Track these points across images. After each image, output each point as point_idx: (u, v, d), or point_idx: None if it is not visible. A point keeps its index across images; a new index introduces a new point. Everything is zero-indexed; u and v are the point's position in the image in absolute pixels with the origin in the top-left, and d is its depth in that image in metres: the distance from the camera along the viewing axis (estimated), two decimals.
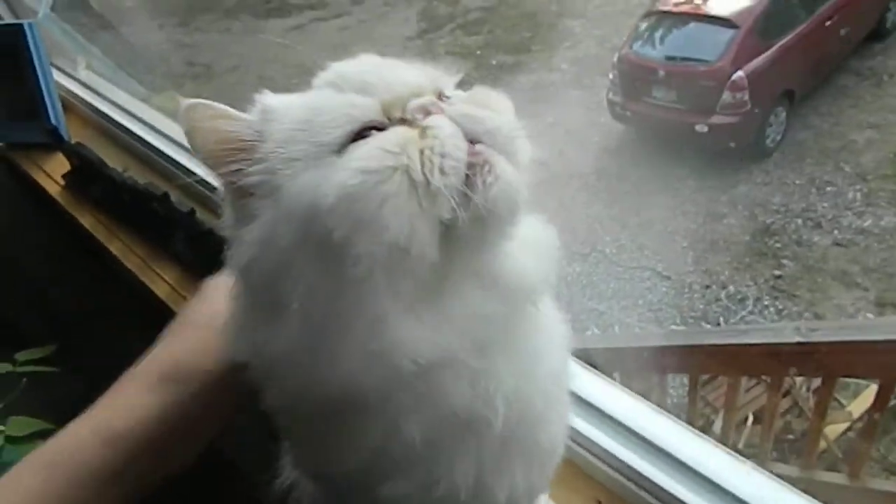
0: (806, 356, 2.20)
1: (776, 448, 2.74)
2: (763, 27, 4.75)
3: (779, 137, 4.77)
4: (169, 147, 1.29)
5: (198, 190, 1.13)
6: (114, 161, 1.31)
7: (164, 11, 6.72)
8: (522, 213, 0.44)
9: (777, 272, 3.98)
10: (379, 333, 0.40)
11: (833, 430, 2.77)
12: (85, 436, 0.55)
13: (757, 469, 0.70)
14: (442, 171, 0.39)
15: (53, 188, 1.38)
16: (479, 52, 6.29)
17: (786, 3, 4.94)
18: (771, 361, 2.35)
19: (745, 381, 2.73)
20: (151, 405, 0.56)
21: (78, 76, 1.61)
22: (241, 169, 0.44)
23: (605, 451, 0.72)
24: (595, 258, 4.32)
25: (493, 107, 0.44)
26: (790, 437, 2.91)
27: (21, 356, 1.23)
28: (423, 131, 0.41)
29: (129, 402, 0.57)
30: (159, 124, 1.35)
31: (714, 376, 2.93)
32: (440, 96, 0.45)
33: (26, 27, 1.39)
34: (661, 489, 0.69)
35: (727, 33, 4.73)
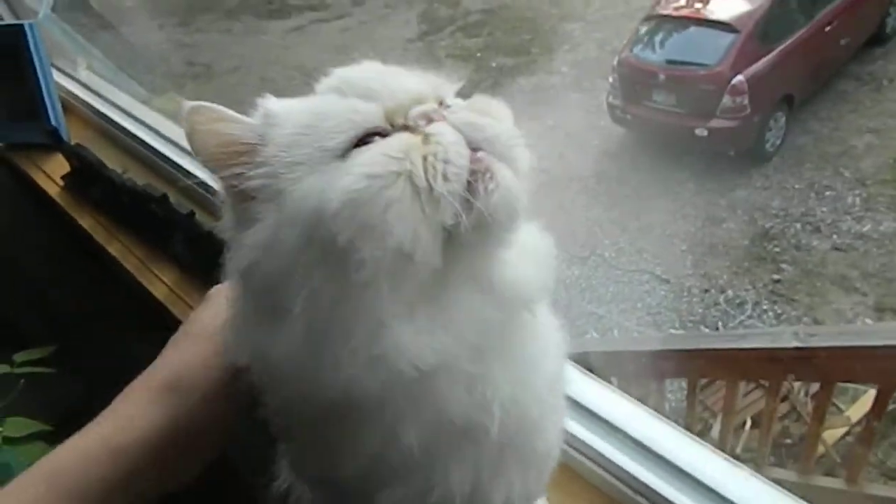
0: (804, 361, 2.20)
1: (774, 452, 2.74)
2: (763, 32, 4.75)
3: (778, 142, 4.78)
4: (168, 149, 1.29)
5: (197, 192, 1.13)
6: (113, 162, 1.31)
7: (164, 11, 6.73)
8: (522, 220, 0.44)
9: (776, 276, 3.99)
10: (381, 338, 0.40)
11: (831, 434, 2.77)
12: (88, 448, 0.55)
13: (755, 475, 0.70)
14: (445, 178, 0.40)
15: (53, 189, 1.38)
16: (479, 55, 6.30)
17: (786, 7, 4.95)
18: (769, 366, 2.36)
19: (743, 386, 2.73)
20: (154, 417, 0.56)
21: (78, 77, 1.61)
22: (242, 172, 0.44)
23: (603, 456, 0.72)
24: (594, 261, 4.32)
25: (493, 114, 0.45)
26: (788, 441, 2.91)
27: (19, 357, 1.23)
28: (426, 138, 0.42)
29: (132, 415, 0.56)
30: (159, 126, 1.35)
31: (712, 380, 2.93)
32: (441, 104, 0.46)
33: (27, 28, 1.40)
34: (659, 495, 0.69)
35: (727, 37, 4.74)
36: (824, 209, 4.27)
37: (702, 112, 4.72)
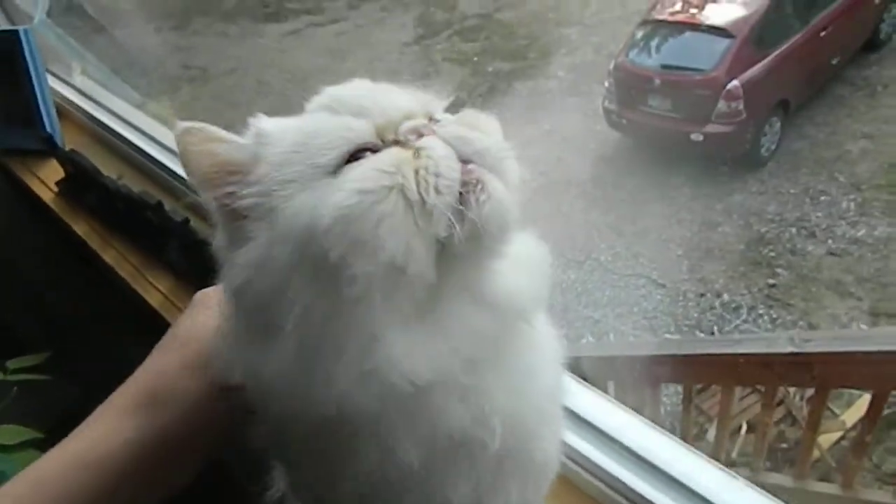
0: (799, 366, 2.20)
1: (770, 457, 2.75)
2: (758, 37, 4.77)
3: (773, 147, 4.79)
4: (163, 155, 1.29)
5: (192, 199, 1.13)
6: (108, 168, 1.31)
7: (160, 15, 6.73)
8: (514, 231, 0.45)
9: (771, 281, 4.00)
10: (373, 352, 0.40)
11: (826, 439, 2.77)
12: (69, 459, 0.54)
13: (749, 485, 0.70)
14: (437, 190, 0.40)
15: (48, 195, 1.38)
16: (475, 59, 6.31)
17: (781, 13, 4.97)
18: (764, 371, 2.36)
19: (738, 391, 2.74)
20: (131, 430, 0.55)
21: (73, 82, 1.61)
22: (234, 191, 0.44)
23: (598, 466, 0.72)
24: (590, 265, 4.33)
25: (482, 128, 0.45)
26: (784, 445, 2.92)
27: (12, 364, 1.23)
28: (417, 152, 0.42)
29: (109, 428, 0.56)
30: (154, 132, 1.35)
31: (708, 385, 2.94)
32: (431, 119, 0.46)
33: (22, 33, 1.39)
34: None
35: (722, 43, 4.76)
36: (819, 214, 4.28)
37: (697, 117, 4.74)
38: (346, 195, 0.40)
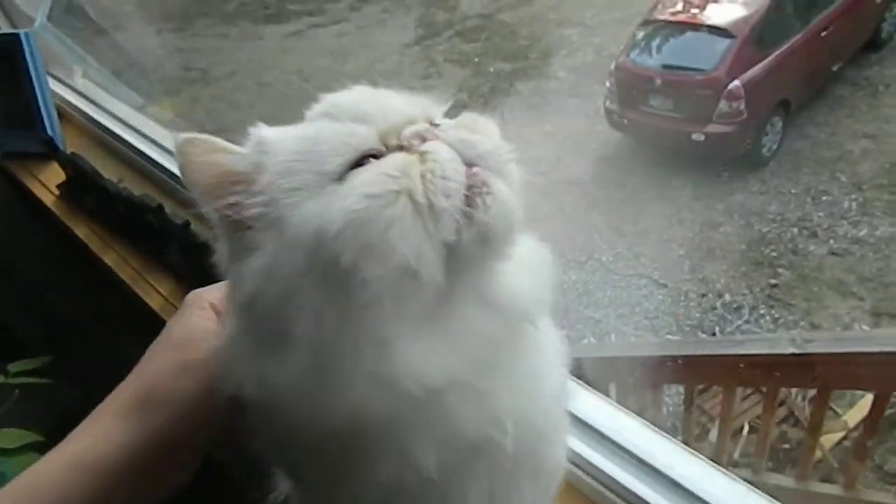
0: (801, 367, 2.20)
1: (772, 458, 2.74)
2: (759, 37, 4.77)
3: (775, 147, 4.79)
4: (164, 158, 1.29)
5: (192, 202, 1.13)
6: (109, 171, 1.31)
7: (161, 17, 6.74)
8: (519, 233, 0.45)
9: (773, 281, 3.99)
10: (387, 359, 0.40)
11: (829, 439, 2.77)
12: (63, 464, 0.54)
13: (752, 490, 0.70)
14: (445, 194, 0.40)
15: (49, 198, 1.38)
16: (476, 60, 6.31)
17: (782, 13, 4.96)
18: (766, 372, 2.36)
19: (740, 391, 2.73)
20: (128, 432, 0.55)
21: (74, 85, 1.61)
22: (238, 202, 0.44)
23: (598, 469, 0.72)
24: (592, 266, 4.33)
25: (483, 131, 0.45)
26: (786, 446, 2.91)
27: (13, 367, 1.23)
28: (423, 156, 0.42)
29: (104, 431, 0.55)
30: (155, 135, 1.35)
31: (709, 386, 2.93)
32: (431, 124, 0.46)
33: (22, 37, 1.40)
34: None
35: (723, 43, 4.75)
36: (821, 214, 4.27)
37: (698, 117, 4.73)
38: (354, 200, 0.40)
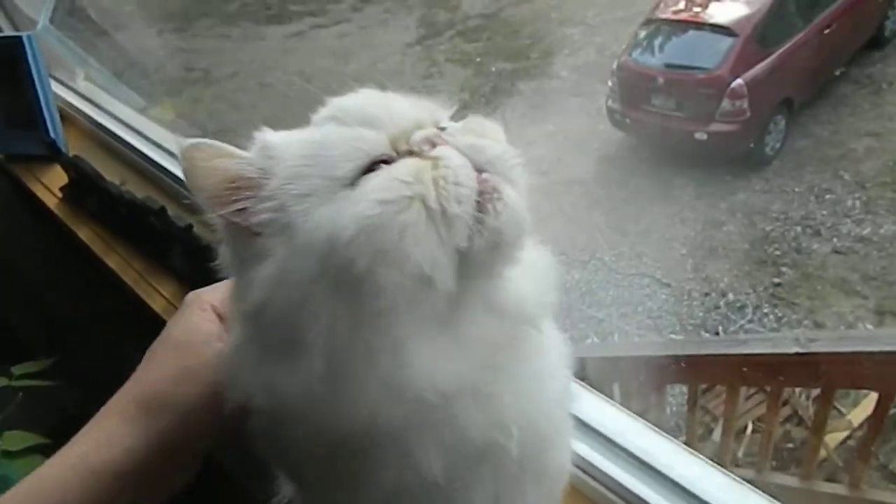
0: (805, 367, 2.19)
1: (776, 457, 2.73)
2: (762, 35, 4.75)
3: (778, 145, 4.77)
4: (167, 160, 1.29)
5: (195, 205, 1.13)
6: (112, 174, 1.31)
7: (162, 17, 6.74)
8: (527, 238, 0.45)
9: (776, 280, 3.98)
10: (402, 366, 0.40)
11: (833, 438, 2.76)
12: (66, 469, 0.54)
13: (754, 490, 0.70)
14: (458, 200, 0.40)
15: (51, 200, 1.39)
16: (478, 59, 6.30)
17: (784, 11, 4.95)
18: (770, 372, 2.35)
19: (744, 390, 2.73)
20: (132, 436, 0.55)
21: (77, 87, 1.61)
22: (246, 208, 0.43)
23: (600, 471, 0.72)
24: (594, 265, 4.32)
25: (490, 135, 0.46)
26: (790, 445, 2.91)
27: (17, 370, 1.23)
28: (434, 162, 0.42)
29: (109, 434, 0.56)
30: (157, 137, 1.35)
31: (713, 385, 2.93)
32: (438, 128, 0.46)
33: (25, 39, 1.40)
34: None
35: (726, 41, 4.74)
36: (824, 212, 4.26)
37: (701, 116, 4.72)
38: (367, 206, 0.40)
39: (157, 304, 1.09)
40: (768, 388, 2.56)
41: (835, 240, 4.09)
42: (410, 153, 0.44)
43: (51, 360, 1.28)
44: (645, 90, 4.92)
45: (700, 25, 5.01)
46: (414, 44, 6.66)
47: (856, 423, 2.80)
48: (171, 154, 1.30)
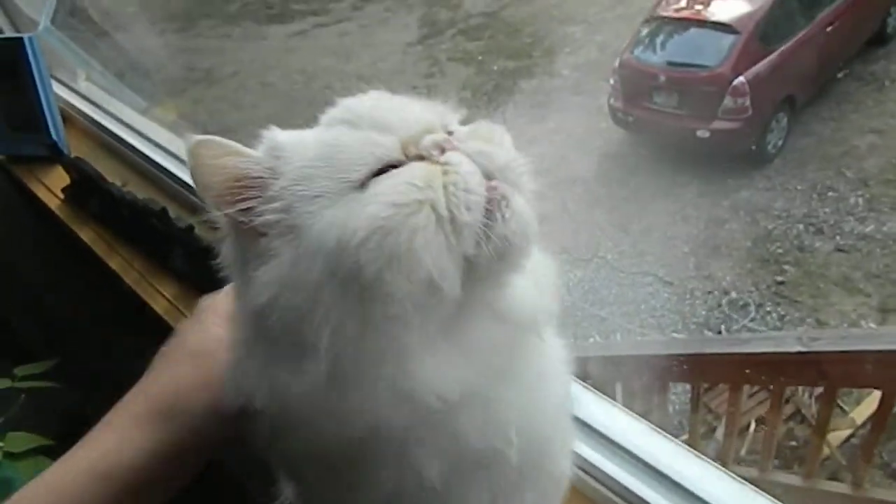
0: (807, 366, 2.19)
1: (779, 456, 2.73)
2: (764, 33, 4.74)
3: (780, 143, 4.77)
4: (168, 162, 1.29)
5: (196, 205, 1.13)
6: (113, 175, 1.31)
7: (164, 18, 6.74)
8: (534, 246, 0.45)
9: (779, 278, 3.97)
10: (409, 372, 0.40)
11: (836, 436, 2.75)
12: (78, 470, 0.54)
13: (758, 492, 0.70)
14: (468, 207, 0.40)
15: (54, 202, 1.39)
16: (480, 58, 6.30)
17: (786, 8, 4.94)
18: (773, 371, 2.35)
19: (747, 388, 2.72)
20: (142, 443, 0.55)
21: (78, 88, 1.61)
22: (252, 207, 0.43)
23: (602, 472, 0.72)
24: (596, 264, 4.32)
25: (497, 142, 0.45)
26: (793, 443, 2.90)
27: (20, 371, 1.23)
28: (444, 168, 0.42)
29: (119, 439, 0.56)
30: (159, 138, 1.35)
31: (716, 384, 2.92)
32: (447, 132, 0.46)
33: (26, 41, 1.40)
34: None
35: (728, 39, 4.73)
36: (827, 210, 4.25)
37: (703, 114, 4.72)
38: (379, 208, 0.40)
39: (158, 306, 1.09)
40: (771, 387, 2.55)
41: (837, 238, 4.08)
42: (420, 157, 0.43)
43: (53, 362, 1.28)
44: (647, 88, 4.92)
45: (702, 23, 5.00)
46: (415, 43, 6.66)
47: (859, 422, 2.79)
48: (172, 155, 1.30)
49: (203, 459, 0.60)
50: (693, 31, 5.06)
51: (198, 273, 1.07)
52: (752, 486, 0.70)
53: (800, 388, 2.88)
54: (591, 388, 0.79)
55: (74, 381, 1.30)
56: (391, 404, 0.40)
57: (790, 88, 4.85)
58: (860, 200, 4.25)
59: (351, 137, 0.44)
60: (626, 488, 0.70)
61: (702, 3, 5.12)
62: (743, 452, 2.83)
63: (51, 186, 1.42)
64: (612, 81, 5.16)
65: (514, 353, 0.45)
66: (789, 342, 2.27)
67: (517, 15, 6.81)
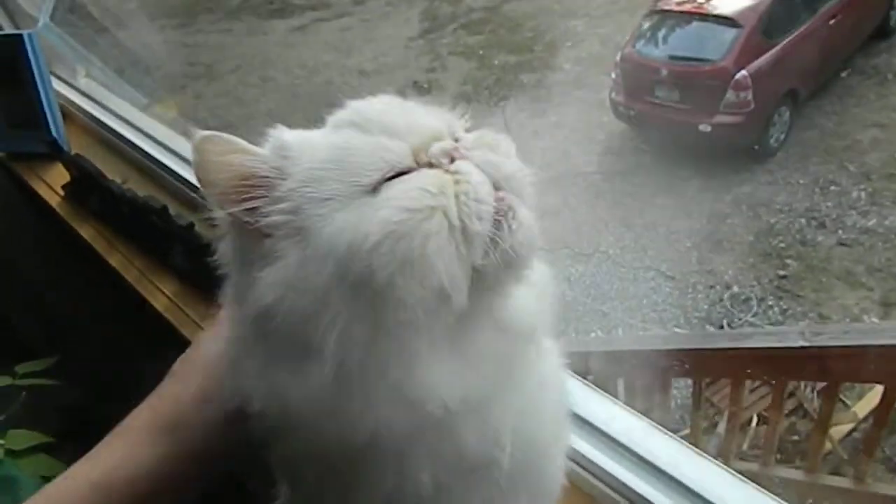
0: (810, 360, 2.19)
1: (780, 450, 2.73)
2: (766, 26, 4.72)
3: (783, 137, 4.75)
4: (169, 159, 1.29)
5: (197, 203, 1.13)
6: (113, 172, 1.31)
7: (164, 13, 6.73)
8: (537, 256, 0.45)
9: (781, 272, 3.97)
10: (412, 378, 0.40)
11: (838, 430, 2.75)
12: (82, 485, 0.54)
13: (758, 489, 0.70)
14: (478, 217, 0.41)
15: (53, 199, 1.38)
16: (481, 52, 6.29)
17: (789, 2, 4.92)
18: (775, 366, 2.35)
19: (749, 383, 2.72)
20: (147, 459, 0.55)
21: (78, 85, 1.61)
22: (257, 207, 0.42)
23: (602, 469, 0.72)
24: (598, 259, 4.31)
25: (503, 151, 0.45)
26: (794, 438, 2.90)
27: (21, 368, 1.23)
28: (455, 177, 0.42)
29: (125, 455, 0.56)
30: (159, 135, 1.35)
31: (718, 378, 2.92)
32: (453, 139, 0.46)
33: (26, 37, 1.39)
34: None
35: (730, 32, 4.71)
36: (829, 204, 4.24)
37: (705, 108, 4.70)
38: (392, 212, 0.40)
39: (158, 303, 1.09)
40: (773, 382, 2.55)
41: (840, 232, 4.07)
42: (430, 165, 0.44)
43: (54, 359, 1.28)
44: (648, 82, 4.90)
45: (704, 16, 4.98)
46: (417, 37, 6.64)
47: (861, 416, 2.79)
48: (173, 152, 1.30)
49: (207, 473, 0.59)
50: (695, 24, 5.04)
51: (198, 270, 1.06)
52: (753, 484, 0.70)
53: (802, 383, 2.88)
54: (591, 385, 0.79)
55: (75, 379, 1.31)
56: (394, 409, 0.40)
57: (793, 82, 4.83)
58: (862, 194, 4.24)
59: (361, 141, 0.44)
60: (624, 485, 0.70)
61: None
62: (745, 447, 2.83)
63: (51, 183, 1.41)
64: (613, 75, 5.14)
65: (514, 362, 0.45)
66: (792, 337, 2.27)
67: (518, 9, 6.79)
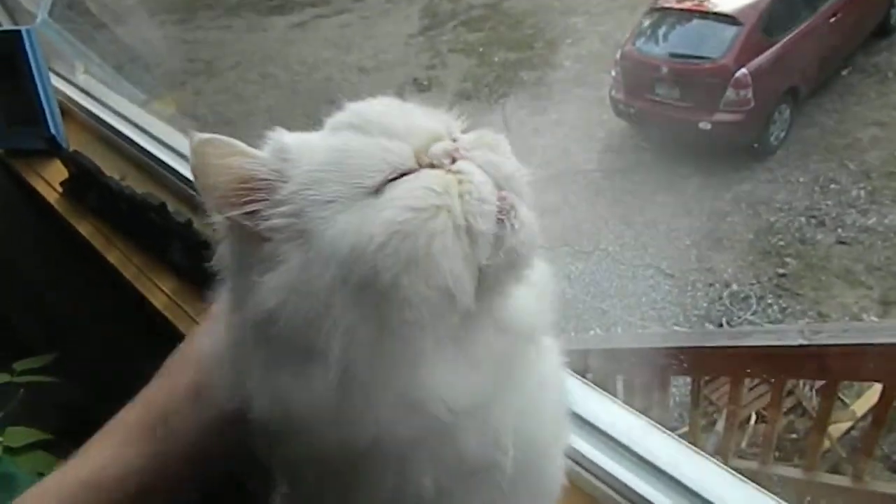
0: (809, 359, 2.19)
1: (779, 448, 2.73)
2: (767, 24, 4.72)
3: (783, 135, 4.75)
4: (167, 156, 1.28)
5: (195, 200, 1.13)
6: (112, 169, 1.31)
7: (164, 9, 6.72)
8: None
9: (781, 270, 3.97)
10: (417, 381, 0.40)
11: (837, 428, 2.75)
12: (73, 483, 0.54)
13: (757, 488, 0.70)
14: (482, 216, 0.41)
15: (52, 195, 1.38)
16: (481, 49, 6.28)
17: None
18: (774, 364, 2.35)
19: (747, 381, 2.72)
20: (134, 454, 0.55)
21: (77, 81, 1.60)
22: (258, 210, 0.42)
23: (602, 469, 0.72)
24: (598, 256, 4.32)
25: (501, 151, 0.46)
26: (793, 436, 2.90)
27: (19, 365, 1.23)
28: (458, 177, 0.42)
29: (113, 453, 0.56)
30: (158, 132, 1.35)
31: (717, 376, 2.92)
32: (451, 140, 0.46)
33: (24, 34, 1.39)
34: None
35: (731, 30, 4.71)
36: (829, 202, 4.24)
37: (705, 105, 4.70)
38: (396, 212, 0.39)
39: (156, 300, 1.09)
40: (772, 380, 2.55)
41: (839, 230, 4.07)
42: (431, 165, 0.43)
43: (52, 356, 1.28)
44: (649, 80, 4.90)
45: (704, 14, 4.97)
46: (416, 34, 6.63)
47: (860, 414, 2.79)
48: (171, 149, 1.30)
49: (201, 473, 0.59)
50: (695, 22, 5.04)
51: (196, 267, 1.06)
52: (752, 483, 0.70)
53: (801, 381, 2.88)
54: (590, 385, 0.79)
55: (73, 376, 1.31)
56: (397, 412, 0.40)
57: (793, 80, 4.82)
58: (862, 193, 4.24)
59: (362, 143, 0.44)
60: (625, 485, 0.70)
61: None
62: (743, 445, 2.84)
63: (49, 180, 1.41)
64: (613, 73, 5.14)
65: (515, 363, 0.45)
66: (791, 335, 2.27)
67: (518, 6, 6.78)
